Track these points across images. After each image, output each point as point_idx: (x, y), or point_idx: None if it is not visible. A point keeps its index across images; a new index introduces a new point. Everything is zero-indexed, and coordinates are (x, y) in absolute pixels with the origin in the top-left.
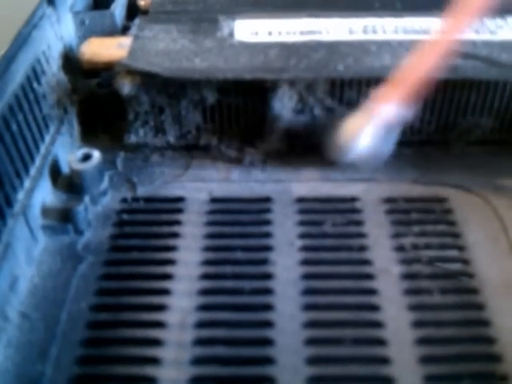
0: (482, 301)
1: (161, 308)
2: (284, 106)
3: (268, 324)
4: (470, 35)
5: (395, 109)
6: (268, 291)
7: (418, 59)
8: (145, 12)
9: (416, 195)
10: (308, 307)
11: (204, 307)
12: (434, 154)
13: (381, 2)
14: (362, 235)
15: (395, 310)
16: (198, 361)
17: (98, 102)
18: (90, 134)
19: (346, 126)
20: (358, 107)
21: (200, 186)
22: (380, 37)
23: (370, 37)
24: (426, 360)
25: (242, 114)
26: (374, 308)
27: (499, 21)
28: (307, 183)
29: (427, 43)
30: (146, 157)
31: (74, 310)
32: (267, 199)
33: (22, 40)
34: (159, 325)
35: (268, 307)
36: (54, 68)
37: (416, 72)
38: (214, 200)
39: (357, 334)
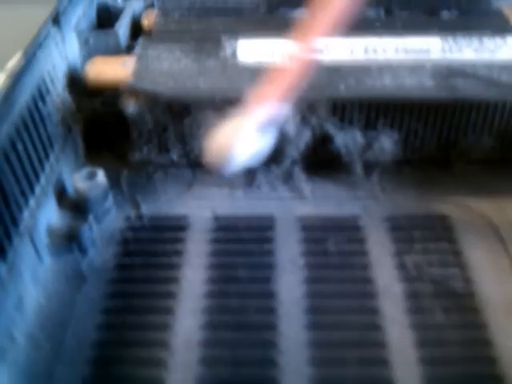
0: (483, 320)
1: (165, 327)
2: (290, 125)
3: (271, 344)
4: (470, 55)
5: (269, 108)
6: (271, 310)
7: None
8: (148, 31)
9: (417, 213)
10: (311, 326)
11: (208, 326)
12: (435, 172)
13: (381, 22)
14: (364, 253)
15: (398, 330)
16: (202, 380)
17: (102, 120)
18: (93, 152)
19: (220, 134)
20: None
21: (203, 203)
22: (381, 57)
23: (371, 57)
24: (428, 379)
25: None
26: (377, 327)
27: (498, 40)
28: (309, 201)
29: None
30: (149, 175)
31: (79, 330)
32: (270, 217)
33: (27, 60)
34: (164, 344)
35: (271, 326)
36: (58, 87)
37: (286, 72)
38: (217, 218)
39: (360, 353)
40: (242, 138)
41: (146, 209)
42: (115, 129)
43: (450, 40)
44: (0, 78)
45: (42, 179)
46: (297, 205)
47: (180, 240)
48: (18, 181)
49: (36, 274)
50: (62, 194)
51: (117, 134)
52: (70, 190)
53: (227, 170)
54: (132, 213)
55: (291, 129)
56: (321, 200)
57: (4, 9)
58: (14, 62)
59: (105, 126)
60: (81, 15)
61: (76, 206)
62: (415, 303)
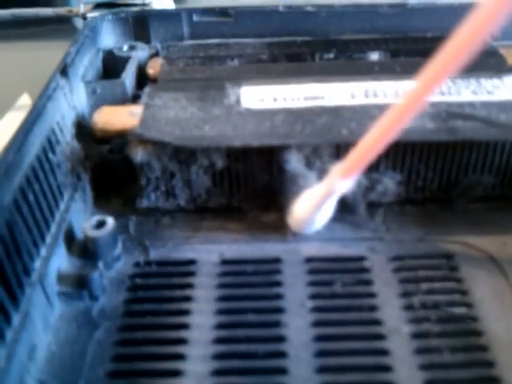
0: (491, 358)
1: (176, 373)
2: (296, 170)
3: None
4: (468, 96)
5: (344, 185)
6: (281, 354)
7: (380, 130)
8: (154, 80)
9: (422, 253)
10: (321, 370)
11: (218, 372)
12: (437, 211)
13: (380, 65)
14: (371, 295)
15: (407, 370)
16: None
17: (110, 167)
18: (102, 198)
19: (303, 201)
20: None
21: (210, 247)
22: (381, 100)
23: (372, 101)
24: None
25: (250, 178)
26: (387, 369)
27: (496, 81)
28: (315, 243)
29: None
30: (157, 220)
31: (91, 377)
32: (277, 260)
33: (37, 112)
34: None
35: (282, 371)
36: (67, 137)
37: (370, 148)
38: (225, 262)
39: None
40: (323, 205)
41: (155, 254)
42: (123, 175)
43: (449, 82)
44: (9, 116)
45: (53, 228)
46: (303, 246)
47: (188, 285)
48: (29, 231)
49: (47, 321)
50: (71, 242)
51: (124, 180)
52: (79, 236)
53: (305, 230)
54: (141, 258)
55: (300, 173)
56: (327, 241)
57: (10, 50)
58: (21, 101)
59: (113, 172)
60: (87, 65)
61: (86, 253)
62: (423, 343)
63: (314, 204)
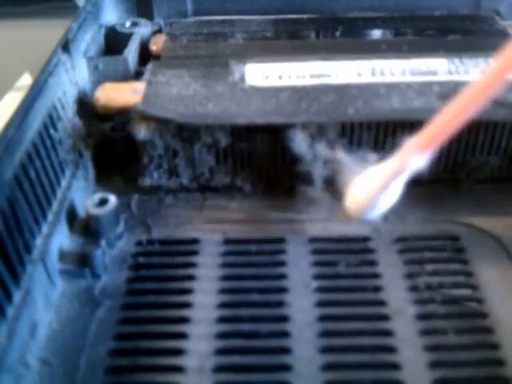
0: (496, 340)
1: (179, 352)
2: (302, 148)
3: (286, 367)
4: (476, 75)
5: (419, 161)
6: (285, 334)
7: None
8: (157, 57)
9: (428, 234)
10: (325, 350)
11: (222, 351)
12: (443, 192)
13: (387, 44)
14: (376, 275)
15: (411, 352)
16: None
17: (112, 145)
18: (104, 176)
19: (365, 181)
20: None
21: (214, 227)
22: (388, 79)
23: (379, 79)
24: None
25: (254, 156)
26: (391, 349)
27: None
28: (320, 223)
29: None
30: (160, 199)
31: (93, 356)
32: (281, 240)
33: (38, 88)
34: (178, 369)
35: (285, 350)
36: (69, 113)
37: (448, 122)
38: (228, 241)
39: (374, 376)
40: (387, 186)
41: (157, 233)
42: (125, 153)
43: (457, 61)
44: (9, 96)
45: (55, 205)
46: (307, 226)
47: (192, 264)
48: (31, 208)
49: (49, 299)
50: (73, 219)
51: (127, 159)
52: (81, 214)
53: (367, 215)
54: (143, 237)
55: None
56: (331, 221)
57: (10, 29)
58: (22, 81)
59: (115, 150)
60: (89, 41)
61: (87, 231)
62: (428, 325)
63: (380, 184)
